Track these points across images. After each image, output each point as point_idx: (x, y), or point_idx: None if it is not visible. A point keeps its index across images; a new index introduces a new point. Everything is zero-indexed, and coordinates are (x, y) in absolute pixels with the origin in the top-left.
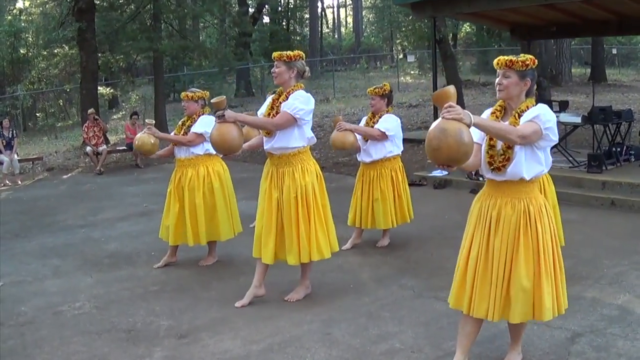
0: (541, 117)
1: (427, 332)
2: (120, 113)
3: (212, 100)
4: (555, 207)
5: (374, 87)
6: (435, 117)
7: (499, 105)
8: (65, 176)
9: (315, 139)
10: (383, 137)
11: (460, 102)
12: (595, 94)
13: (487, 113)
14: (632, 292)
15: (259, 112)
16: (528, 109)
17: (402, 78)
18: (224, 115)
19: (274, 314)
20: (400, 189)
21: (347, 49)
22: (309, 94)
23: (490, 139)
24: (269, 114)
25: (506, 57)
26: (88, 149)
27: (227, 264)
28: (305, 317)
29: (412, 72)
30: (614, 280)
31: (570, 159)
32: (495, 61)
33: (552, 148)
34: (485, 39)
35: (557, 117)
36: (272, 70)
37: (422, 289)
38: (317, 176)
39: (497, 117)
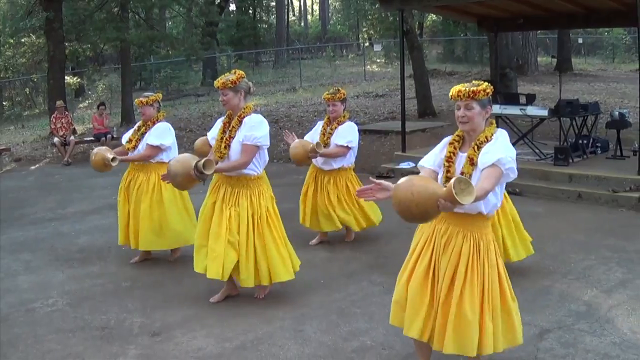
0: (503, 160)
1: (398, 329)
2: (87, 102)
3: (205, 160)
4: (516, 221)
5: (331, 92)
6: (403, 109)
7: (457, 135)
8: (33, 167)
9: (267, 160)
10: (348, 149)
11: (426, 92)
12: (562, 84)
13: (445, 143)
14: (599, 287)
15: (209, 136)
16: (487, 139)
17: (369, 67)
18: (204, 181)
19: (246, 311)
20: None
21: (313, 37)
22: (261, 117)
23: (448, 170)
24: (221, 139)
25: (467, 88)
26: (56, 139)
27: None
28: (277, 314)
29: (378, 60)
30: (581, 275)
31: (537, 151)
32: (454, 92)
33: (519, 140)
34: (451, 27)
35: (524, 110)
36: (220, 99)
37: (391, 284)
38: (271, 201)
39: (455, 147)
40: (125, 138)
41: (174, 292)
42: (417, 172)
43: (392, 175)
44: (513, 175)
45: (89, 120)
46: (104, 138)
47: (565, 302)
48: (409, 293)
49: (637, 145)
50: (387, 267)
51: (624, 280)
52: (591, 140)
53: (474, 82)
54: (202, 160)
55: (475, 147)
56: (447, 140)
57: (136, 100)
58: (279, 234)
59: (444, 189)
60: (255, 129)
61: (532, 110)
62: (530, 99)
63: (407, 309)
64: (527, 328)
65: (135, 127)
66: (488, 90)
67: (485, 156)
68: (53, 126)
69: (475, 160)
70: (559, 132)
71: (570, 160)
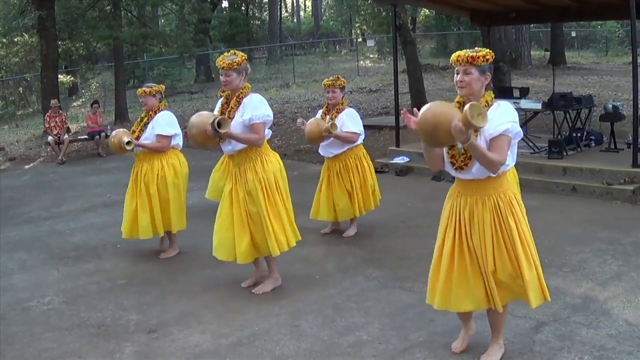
0: (510, 129)
1: (394, 323)
2: (80, 100)
3: (221, 118)
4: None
5: (331, 79)
6: (397, 104)
7: (457, 102)
8: (27, 166)
9: (271, 133)
10: (358, 136)
11: (420, 86)
12: (555, 77)
13: None
14: (595, 280)
15: None
16: (488, 104)
17: (362, 62)
18: (220, 139)
19: (242, 307)
20: (367, 176)
21: (306, 33)
22: (259, 95)
23: None
24: None
25: (466, 53)
26: (50, 138)
27: (192, 256)
28: (272, 310)
29: (371, 56)
30: (577, 267)
31: (531, 144)
32: (454, 57)
33: None
34: (444, 22)
35: (517, 103)
36: (222, 80)
37: (387, 279)
38: (279, 166)
39: None
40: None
41: (169, 289)
42: (412, 168)
43: (387, 170)
44: (519, 137)
45: (83, 119)
46: (97, 136)
47: (560, 295)
48: (442, 272)
49: (630, 137)
50: (383, 261)
51: (619, 273)
52: (585, 133)
53: (477, 49)
54: (218, 118)
55: None
56: None
57: (138, 90)
58: (287, 199)
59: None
60: (258, 108)
61: (525, 104)
62: (524, 93)
63: (440, 287)
64: (523, 321)
65: (139, 119)
66: (488, 57)
67: (491, 124)
68: (47, 125)
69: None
70: (553, 125)
71: (564, 154)
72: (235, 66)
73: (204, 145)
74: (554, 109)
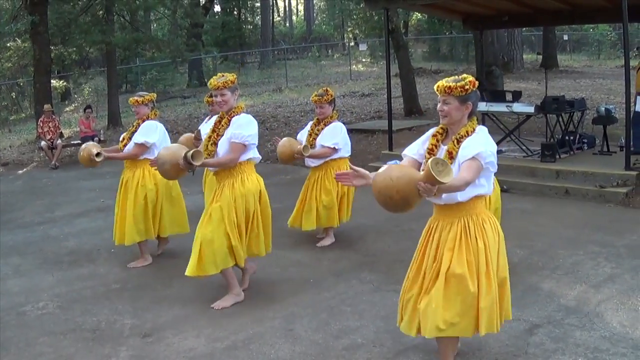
0: (482, 154)
1: (388, 326)
2: (73, 105)
3: (194, 151)
4: (497, 211)
5: (319, 94)
6: (390, 108)
7: (441, 128)
8: (20, 171)
9: (260, 157)
10: (335, 151)
11: (412, 90)
12: (548, 80)
13: (428, 135)
14: (588, 282)
15: (202, 133)
16: (468, 134)
17: (354, 66)
18: (192, 172)
19: (236, 311)
20: (346, 190)
21: (298, 38)
22: (249, 117)
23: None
24: (209, 137)
25: (445, 83)
26: (43, 143)
27: (186, 260)
28: (267, 314)
29: (364, 60)
30: (570, 270)
31: (524, 148)
32: (435, 86)
33: (505, 137)
34: (436, 26)
35: (510, 107)
36: (217, 101)
37: (381, 282)
38: (258, 188)
39: (438, 140)
40: (121, 137)
41: (164, 293)
42: None
43: None
44: (493, 169)
45: (76, 124)
46: (90, 141)
47: (554, 298)
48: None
49: (623, 140)
50: (376, 265)
51: (613, 275)
52: (578, 137)
53: (463, 76)
54: (192, 151)
55: (455, 141)
56: (431, 131)
57: (130, 99)
58: (264, 220)
59: (422, 172)
60: (242, 127)
61: (518, 107)
62: (517, 96)
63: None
64: (517, 323)
65: (130, 129)
66: (467, 87)
67: (465, 150)
68: (40, 130)
69: (454, 154)
70: (546, 128)
71: (557, 157)
72: (230, 84)
73: (176, 178)
74: (546, 112)
